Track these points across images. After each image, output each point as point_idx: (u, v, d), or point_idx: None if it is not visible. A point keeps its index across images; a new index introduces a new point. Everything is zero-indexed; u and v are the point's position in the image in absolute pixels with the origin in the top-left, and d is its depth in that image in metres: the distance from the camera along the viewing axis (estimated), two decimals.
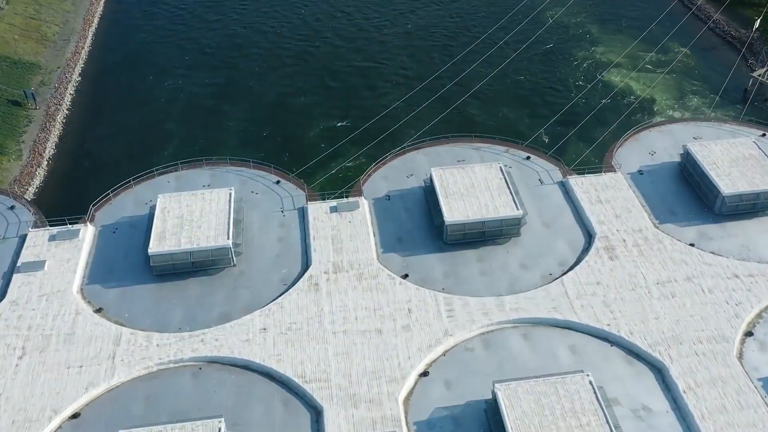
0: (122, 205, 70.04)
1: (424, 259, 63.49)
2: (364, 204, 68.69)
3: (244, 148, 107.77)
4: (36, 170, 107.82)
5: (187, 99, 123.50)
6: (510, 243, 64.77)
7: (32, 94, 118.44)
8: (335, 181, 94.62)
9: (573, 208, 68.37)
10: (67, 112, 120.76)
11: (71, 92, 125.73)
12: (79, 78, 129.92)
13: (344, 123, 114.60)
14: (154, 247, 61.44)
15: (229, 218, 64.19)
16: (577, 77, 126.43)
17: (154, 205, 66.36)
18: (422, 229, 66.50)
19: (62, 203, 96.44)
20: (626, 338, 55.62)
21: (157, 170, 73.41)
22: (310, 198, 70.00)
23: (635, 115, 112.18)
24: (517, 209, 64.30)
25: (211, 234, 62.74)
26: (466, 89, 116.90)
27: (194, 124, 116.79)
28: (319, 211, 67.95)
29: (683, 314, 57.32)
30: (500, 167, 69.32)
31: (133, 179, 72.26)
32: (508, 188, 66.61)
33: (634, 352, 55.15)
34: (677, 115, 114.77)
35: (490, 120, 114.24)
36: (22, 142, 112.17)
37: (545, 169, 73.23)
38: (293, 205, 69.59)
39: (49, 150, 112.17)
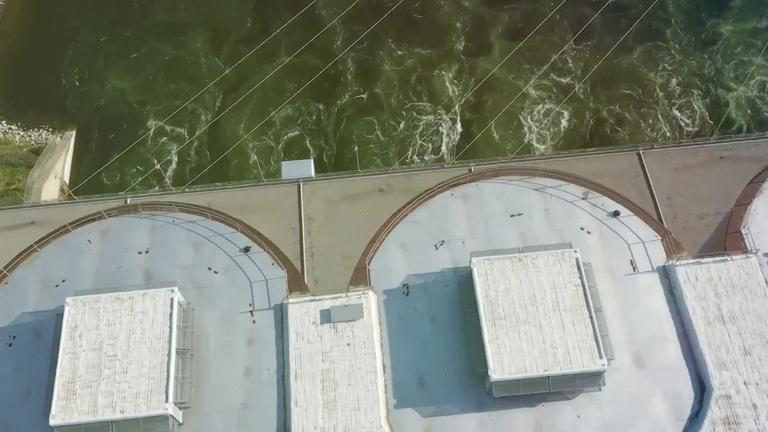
0: (23, 287, 48.49)
1: (455, 424, 43.41)
2: (371, 304, 46.71)
3: None
4: None
5: None
6: (583, 397, 44.00)
7: None
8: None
9: (680, 328, 46.09)
10: None
11: None
12: None
13: None
14: (58, 415, 41.55)
15: (169, 353, 43.30)
16: None
17: (62, 314, 45.06)
18: (455, 361, 45.31)
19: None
20: None
21: (71, 225, 50.40)
22: (293, 286, 47.89)
23: None
24: (600, 357, 42.60)
25: (142, 389, 42.30)
26: None
27: None
28: (304, 319, 46.27)
29: None
30: (576, 258, 45.91)
31: (38, 243, 49.73)
32: (588, 310, 44.09)
33: None
34: None
35: None
36: None
37: (640, 238, 49.38)
38: (268, 301, 47.76)
39: None
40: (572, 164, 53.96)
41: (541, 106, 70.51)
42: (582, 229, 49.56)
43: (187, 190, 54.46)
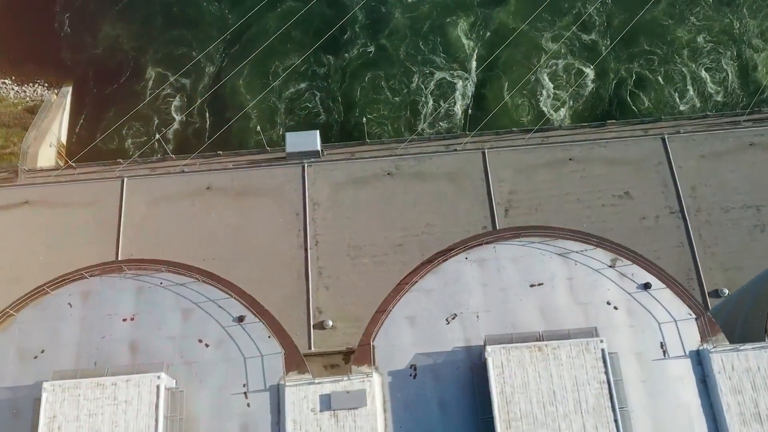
0: None
1: None
2: (375, 389, 42.89)
3: None
4: None
5: None
6: None
7: None
8: None
9: (712, 425, 42.08)
10: None
11: None
12: None
13: None
14: None
15: None
16: None
17: (39, 398, 41.50)
18: None
19: None
20: None
21: (49, 286, 46.22)
22: (290, 364, 44.02)
23: None
24: None
25: None
26: None
27: None
28: (303, 405, 42.56)
29: None
30: (602, 350, 41.65)
31: (12, 307, 45.70)
32: (613, 412, 40.17)
33: None
34: None
35: None
36: None
37: (673, 316, 44.81)
38: (264, 381, 43.88)
39: None
40: (592, 149, 52.68)
41: (560, 61, 65.24)
42: (608, 303, 45.09)
43: (185, 169, 53.59)
